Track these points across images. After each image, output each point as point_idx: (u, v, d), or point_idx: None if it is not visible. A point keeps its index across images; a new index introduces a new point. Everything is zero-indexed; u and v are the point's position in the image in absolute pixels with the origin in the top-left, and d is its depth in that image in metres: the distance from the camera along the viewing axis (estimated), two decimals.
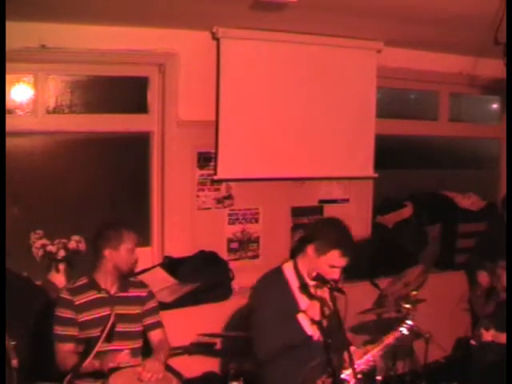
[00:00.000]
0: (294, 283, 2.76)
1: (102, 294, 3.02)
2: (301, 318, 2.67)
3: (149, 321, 3.15)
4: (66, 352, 2.91)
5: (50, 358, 2.98)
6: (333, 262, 2.68)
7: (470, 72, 5.07)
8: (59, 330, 2.94)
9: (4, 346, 2.53)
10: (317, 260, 2.70)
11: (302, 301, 2.76)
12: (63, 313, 2.95)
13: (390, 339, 2.79)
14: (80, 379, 2.89)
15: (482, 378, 3.84)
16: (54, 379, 2.84)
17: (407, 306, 3.15)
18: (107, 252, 3.01)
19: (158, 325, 3.18)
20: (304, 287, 2.74)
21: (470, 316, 4.84)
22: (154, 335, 3.16)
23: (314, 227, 2.80)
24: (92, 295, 3.01)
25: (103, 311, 2.98)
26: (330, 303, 2.67)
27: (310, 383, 2.66)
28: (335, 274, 2.69)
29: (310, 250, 2.71)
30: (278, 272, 2.81)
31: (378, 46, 4.64)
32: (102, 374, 2.79)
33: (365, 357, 2.75)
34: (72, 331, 2.93)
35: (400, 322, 2.91)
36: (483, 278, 4.40)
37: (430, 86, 5.36)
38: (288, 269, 2.80)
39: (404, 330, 2.82)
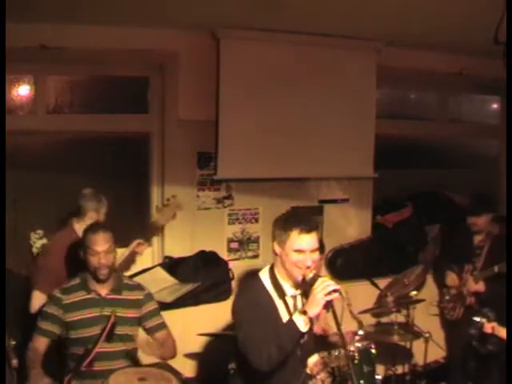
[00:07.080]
0: (271, 289, 2.72)
1: (92, 296, 3.00)
2: (296, 318, 2.61)
3: (150, 324, 3.12)
4: (37, 344, 2.93)
5: (50, 357, 2.98)
6: (296, 244, 2.57)
7: (469, 72, 5.07)
8: (40, 323, 2.97)
9: (4, 346, 2.52)
10: (284, 252, 2.61)
11: (281, 307, 2.71)
12: (48, 309, 2.98)
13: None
14: (80, 379, 2.90)
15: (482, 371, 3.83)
16: (54, 379, 2.84)
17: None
18: (82, 255, 3.02)
19: (161, 326, 3.15)
20: (281, 293, 2.69)
21: (439, 320, 4.74)
22: (159, 336, 3.12)
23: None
24: (81, 296, 3.00)
25: (92, 312, 2.97)
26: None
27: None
28: (306, 260, 2.57)
29: (275, 247, 2.66)
30: (256, 280, 2.75)
31: (378, 46, 4.65)
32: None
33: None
34: (51, 327, 2.95)
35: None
36: (452, 279, 4.37)
37: (430, 86, 5.36)
38: (264, 275, 2.74)
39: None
